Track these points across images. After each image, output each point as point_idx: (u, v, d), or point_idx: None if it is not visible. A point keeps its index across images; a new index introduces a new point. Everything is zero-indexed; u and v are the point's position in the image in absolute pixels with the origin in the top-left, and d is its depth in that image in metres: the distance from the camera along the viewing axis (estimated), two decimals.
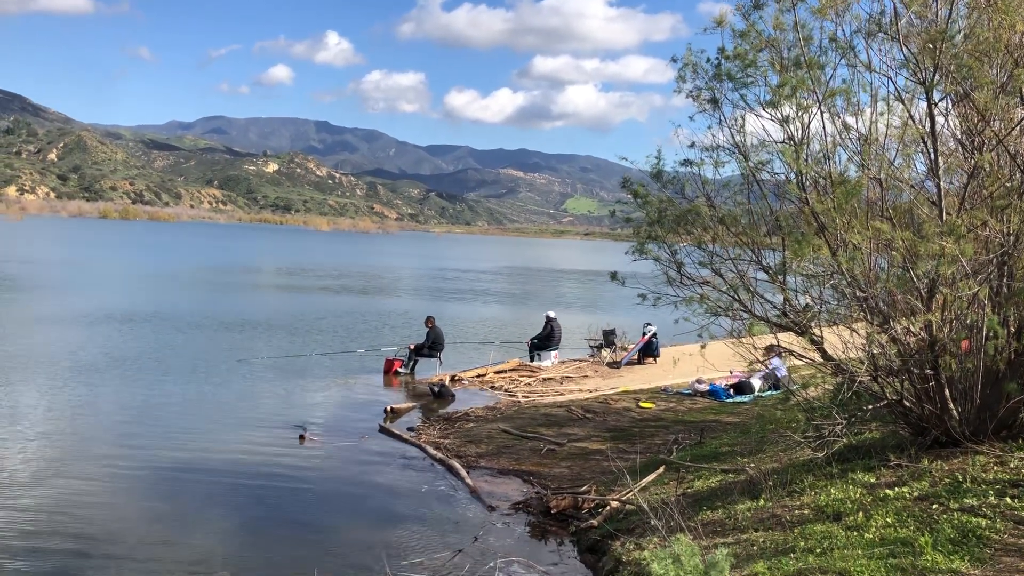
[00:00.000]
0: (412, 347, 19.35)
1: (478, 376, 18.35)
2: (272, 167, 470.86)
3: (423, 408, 15.56)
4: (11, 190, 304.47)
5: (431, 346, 19.39)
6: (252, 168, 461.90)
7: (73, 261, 55.03)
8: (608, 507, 8.94)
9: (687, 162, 8.41)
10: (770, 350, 9.42)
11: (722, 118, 8.03)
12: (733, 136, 7.98)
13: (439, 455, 11.77)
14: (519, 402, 15.69)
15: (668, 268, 8.53)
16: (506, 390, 17.09)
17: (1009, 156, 6.26)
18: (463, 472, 10.89)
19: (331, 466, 11.45)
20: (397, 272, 62.50)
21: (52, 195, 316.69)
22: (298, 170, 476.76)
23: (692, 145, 8.33)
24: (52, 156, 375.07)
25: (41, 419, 13.22)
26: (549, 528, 9.00)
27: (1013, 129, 6.35)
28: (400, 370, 18.82)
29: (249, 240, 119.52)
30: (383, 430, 13.50)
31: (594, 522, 8.68)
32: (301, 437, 12.64)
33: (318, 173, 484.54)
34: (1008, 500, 5.96)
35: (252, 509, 9.58)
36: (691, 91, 8.14)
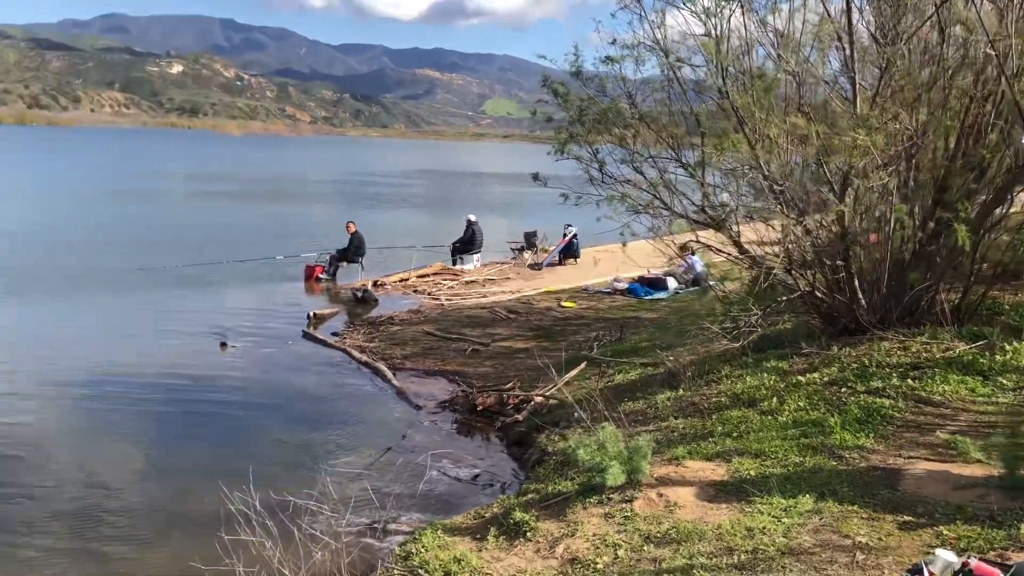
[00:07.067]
0: (334, 253, 19.08)
1: (401, 280, 18.28)
2: (177, 68, 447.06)
3: (347, 313, 15.47)
4: None
5: (353, 252, 19.15)
6: (155, 69, 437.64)
7: None
8: (532, 402, 9.16)
9: (608, 59, 8.34)
10: (685, 248, 9.63)
11: (642, 13, 7.96)
12: (654, 32, 7.93)
13: (364, 358, 11.79)
14: (443, 305, 15.74)
15: (590, 167, 8.55)
16: (429, 293, 17.09)
17: (915, 51, 6.36)
18: (389, 374, 10.95)
19: (255, 373, 11.34)
20: (314, 177, 60.97)
21: None
22: (204, 71, 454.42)
23: (614, 42, 8.28)
24: None
25: None
26: (475, 425, 9.20)
27: (924, 23, 6.46)
28: (321, 276, 18.57)
29: (157, 145, 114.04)
30: (307, 336, 13.41)
31: (519, 417, 8.90)
32: (222, 345, 12.46)
33: (226, 74, 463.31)
34: (909, 381, 6.33)
35: (178, 419, 9.49)
36: None
